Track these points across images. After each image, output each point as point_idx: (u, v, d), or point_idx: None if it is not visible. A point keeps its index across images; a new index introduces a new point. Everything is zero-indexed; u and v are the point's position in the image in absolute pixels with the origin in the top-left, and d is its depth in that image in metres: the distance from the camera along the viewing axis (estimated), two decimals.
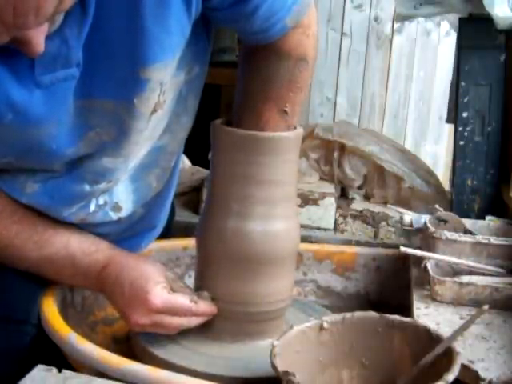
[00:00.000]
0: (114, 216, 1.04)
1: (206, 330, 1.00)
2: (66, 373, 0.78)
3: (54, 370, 0.78)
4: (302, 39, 0.97)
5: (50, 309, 0.97)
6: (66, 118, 0.89)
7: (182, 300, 0.96)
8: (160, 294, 0.94)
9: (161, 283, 0.95)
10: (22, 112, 0.84)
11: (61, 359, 0.91)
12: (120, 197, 1.04)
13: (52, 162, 0.94)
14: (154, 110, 0.94)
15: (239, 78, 1.02)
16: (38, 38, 0.72)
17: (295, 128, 1.01)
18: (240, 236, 0.96)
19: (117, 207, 1.04)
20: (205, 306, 0.97)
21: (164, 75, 0.91)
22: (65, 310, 1.02)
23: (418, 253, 1.13)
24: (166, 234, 1.26)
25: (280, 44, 0.96)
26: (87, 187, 0.98)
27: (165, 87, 0.92)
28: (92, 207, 1.01)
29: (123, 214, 1.05)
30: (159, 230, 1.20)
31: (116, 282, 0.97)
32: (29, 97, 0.83)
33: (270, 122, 0.97)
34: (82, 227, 1.02)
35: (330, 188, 1.76)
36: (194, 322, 0.97)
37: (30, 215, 0.98)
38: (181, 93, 0.99)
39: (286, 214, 0.98)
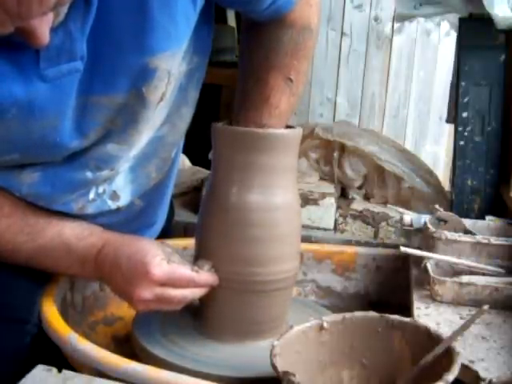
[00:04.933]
0: (112, 205, 1.04)
1: (206, 324, 1.00)
2: (66, 373, 0.78)
3: (54, 370, 0.78)
4: (305, 9, 0.99)
5: (50, 309, 0.97)
6: (71, 112, 0.89)
7: (183, 270, 0.95)
8: (160, 264, 0.93)
9: (159, 255, 0.94)
10: (25, 106, 0.84)
11: (61, 359, 0.91)
12: (118, 185, 1.04)
13: (55, 155, 0.95)
14: (161, 99, 0.95)
15: (242, 50, 1.03)
16: (42, 28, 0.72)
17: (293, 128, 1.01)
18: (241, 208, 0.96)
19: (114, 195, 1.04)
20: (207, 275, 0.96)
21: (172, 64, 0.92)
22: (65, 310, 1.02)
23: (418, 253, 1.13)
24: (166, 234, 1.26)
25: (284, 14, 0.97)
26: (89, 174, 0.98)
27: (172, 77, 0.93)
28: (91, 195, 1.01)
29: (121, 202, 1.05)
30: (158, 227, 1.20)
31: (114, 261, 0.96)
32: (33, 91, 0.84)
33: (274, 89, 0.98)
34: (81, 218, 1.02)
35: (329, 188, 1.77)
36: (198, 293, 0.97)
37: (20, 208, 0.97)
38: (181, 83, 1.00)
39: (285, 199, 0.98)
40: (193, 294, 0.96)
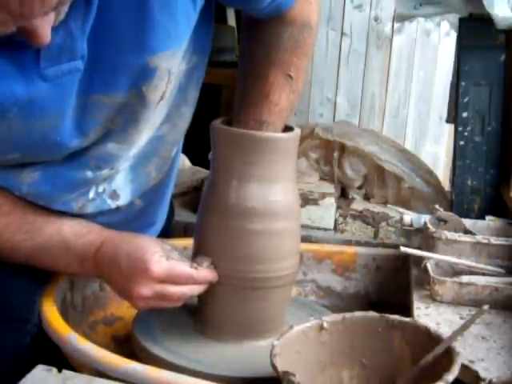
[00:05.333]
0: (111, 204, 1.04)
1: (206, 323, 1.00)
2: (66, 373, 0.78)
3: (54, 370, 0.78)
4: (305, 6, 1.00)
5: (50, 309, 0.97)
6: (71, 111, 0.90)
7: (182, 266, 0.95)
8: (159, 261, 0.93)
9: (158, 252, 0.94)
10: (26, 106, 0.84)
11: (61, 359, 0.91)
12: (118, 184, 1.04)
13: (55, 154, 0.95)
14: (161, 98, 0.95)
15: (242, 48, 1.04)
16: (44, 27, 0.72)
17: (292, 129, 1.01)
18: (240, 204, 0.96)
19: (114, 195, 1.04)
20: (206, 272, 0.96)
21: (172, 64, 0.92)
22: (65, 310, 1.02)
23: (418, 253, 1.13)
24: (166, 234, 1.26)
25: (284, 12, 0.98)
26: (90, 173, 0.98)
27: (172, 76, 0.94)
28: (91, 194, 1.01)
29: (121, 202, 1.05)
30: (158, 227, 1.20)
31: (113, 258, 0.96)
32: (34, 90, 0.84)
33: (274, 85, 0.98)
34: (80, 217, 1.02)
35: (329, 188, 1.76)
36: (197, 290, 0.97)
37: (19, 207, 0.97)
38: (180, 83, 1.00)
39: (285, 197, 0.98)
40: (192, 290, 0.96)
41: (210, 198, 1.00)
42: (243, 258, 0.97)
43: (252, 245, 0.97)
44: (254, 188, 0.96)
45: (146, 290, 0.93)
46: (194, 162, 2.15)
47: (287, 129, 1.01)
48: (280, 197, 0.97)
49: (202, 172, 2.00)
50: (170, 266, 0.94)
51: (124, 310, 1.13)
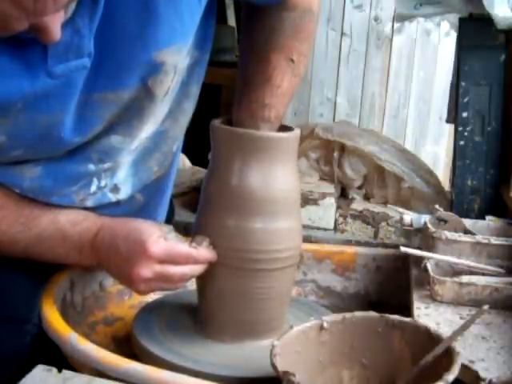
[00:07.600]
0: (112, 197, 1.04)
1: (206, 317, 1.00)
2: (66, 373, 0.78)
3: (54, 370, 0.78)
4: None
5: (50, 309, 0.97)
6: (77, 108, 0.90)
7: (182, 246, 0.94)
8: (157, 242, 0.93)
9: (156, 233, 0.94)
10: (32, 101, 0.85)
11: (61, 359, 0.91)
12: (120, 179, 1.04)
13: (58, 149, 0.95)
14: (166, 93, 0.96)
15: (244, 36, 1.04)
16: (55, 24, 0.73)
17: (289, 126, 1.01)
18: (241, 186, 0.96)
19: (115, 189, 1.04)
20: (205, 251, 0.95)
21: (178, 59, 0.93)
22: (65, 310, 1.02)
23: (418, 253, 1.13)
24: None
25: None
26: (92, 167, 0.99)
27: (177, 71, 0.94)
28: (93, 188, 1.01)
29: (121, 196, 1.05)
30: None
31: (110, 243, 0.95)
32: (40, 87, 0.84)
33: (277, 69, 0.99)
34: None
35: (330, 188, 1.77)
36: (197, 269, 0.96)
37: (14, 200, 0.97)
38: (182, 78, 1.01)
39: (286, 183, 0.98)
40: (192, 270, 0.96)
41: (209, 197, 1.00)
42: (243, 241, 0.96)
43: (252, 238, 0.96)
44: (253, 187, 0.96)
45: (146, 271, 0.92)
46: (194, 162, 2.16)
47: (287, 129, 1.01)
48: (280, 195, 0.97)
49: (202, 172, 2.00)
50: (169, 246, 0.93)
51: (124, 310, 1.13)
